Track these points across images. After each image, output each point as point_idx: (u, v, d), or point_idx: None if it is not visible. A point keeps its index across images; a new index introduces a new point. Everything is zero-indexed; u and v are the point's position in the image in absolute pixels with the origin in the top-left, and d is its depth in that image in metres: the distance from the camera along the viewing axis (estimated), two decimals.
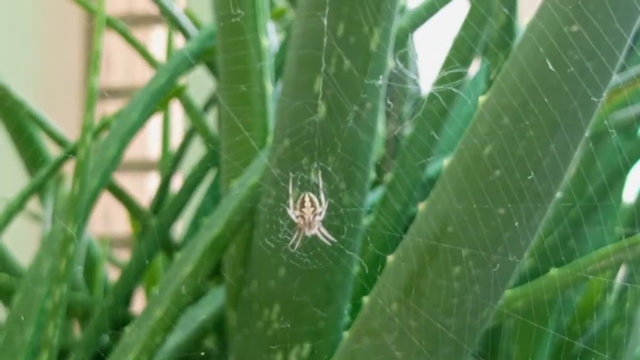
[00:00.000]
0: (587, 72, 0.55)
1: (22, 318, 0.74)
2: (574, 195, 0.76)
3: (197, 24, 0.90)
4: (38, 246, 0.79)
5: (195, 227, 0.93)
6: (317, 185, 0.63)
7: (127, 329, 0.73)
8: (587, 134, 0.58)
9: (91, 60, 0.70)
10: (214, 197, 0.93)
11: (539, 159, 0.57)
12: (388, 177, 0.77)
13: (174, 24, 0.90)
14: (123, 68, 1.67)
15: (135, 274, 0.86)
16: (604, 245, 0.64)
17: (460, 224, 0.59)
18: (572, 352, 0.77)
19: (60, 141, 0.87)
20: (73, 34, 1.76)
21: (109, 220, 1.56)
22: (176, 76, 0.81)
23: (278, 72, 0.77)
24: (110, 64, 1.67)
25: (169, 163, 0.97)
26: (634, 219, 0.79)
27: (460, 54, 0.73)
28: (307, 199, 0.62)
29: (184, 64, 0.81)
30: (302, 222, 0.62)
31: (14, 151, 0.91)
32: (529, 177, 0.58)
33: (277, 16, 0.87)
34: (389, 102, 0.74)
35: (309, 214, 0.62)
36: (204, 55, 0.83)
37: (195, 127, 0.91)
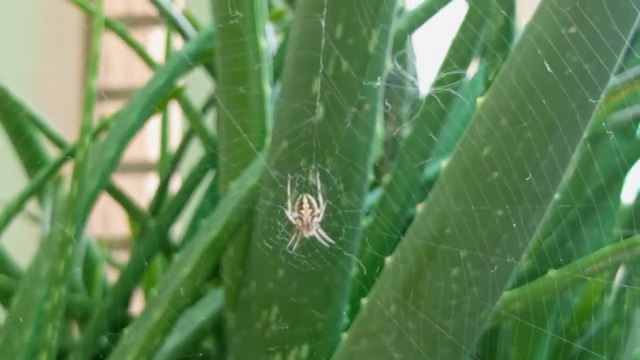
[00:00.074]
0: (585, 73, 0.55)
1: (21, 319, 0.74)
2: (572, 197, 0.76)
3: (195, 26, 0.90)
4: (37, 248, 0.79)
5: (193, 228, 0.93)
6: (315, 187, 0.63)
7: (126, 331, 0.73)
8: (585, 135, 0.58)
9: (90, 62, 0.70)
10: (213, 198, 0.93)
11: (537, 160, 0.57)
12: (386, 178, 0.77)
13: (173, 26, 0.90)
14: (122, 69, 1.66)
15: (134, 276, 0.85)
16: (602, 247, 0.64)
17: (458, 225, 0.59)
18: (570, 354, 0.77)
19: (59, 143, 0.87)
20: (72, 36, 1.76)
21: (107, 221, 1.56)
22: (175, 77, 0.81)
23: (276, 74, 0.77)
24: (109, 65, 1.67)
25: (168, 164, 0.97)
26: (632, 220, 0.79)
27: (458, 55, 0.73)
28: (305, 200, 0.62)
29: (183, 66, 0.81)
30: (300, 224, 0.62)
31: (13, 153, 0.91)
32: (527, 179, 0.58)
33: (276, 18, 0.87)
34: (387, 103, 0.74)
35: (307, 215, 0.62)
36: (202, 57, 0.83)
37: (194, 129, 0.91)
